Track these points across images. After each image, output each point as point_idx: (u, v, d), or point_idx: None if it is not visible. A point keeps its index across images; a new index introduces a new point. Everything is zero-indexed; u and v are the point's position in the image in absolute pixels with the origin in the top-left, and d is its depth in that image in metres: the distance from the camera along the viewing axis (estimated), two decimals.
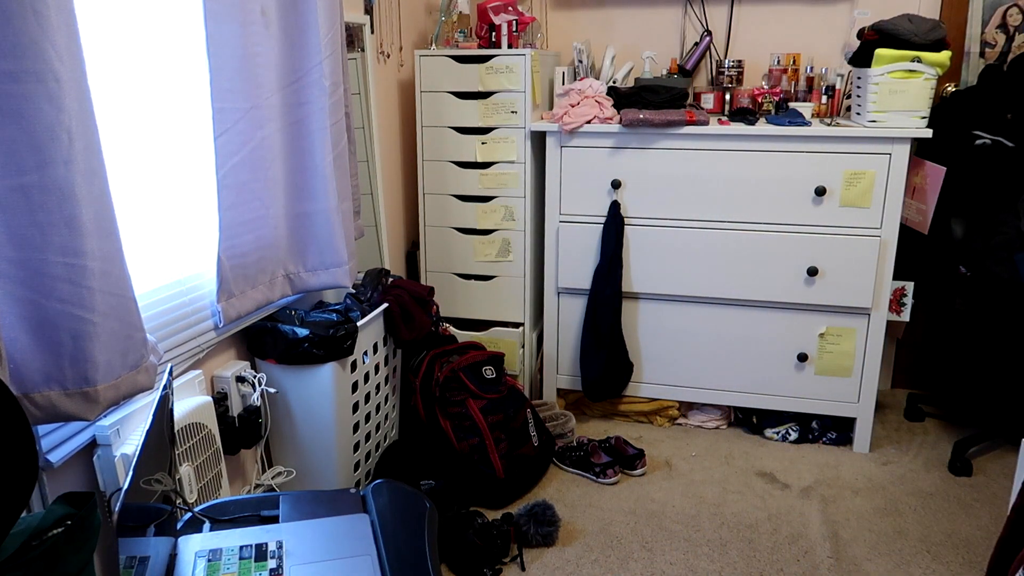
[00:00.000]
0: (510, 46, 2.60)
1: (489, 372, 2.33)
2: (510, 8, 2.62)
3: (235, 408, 1.82)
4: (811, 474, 2.43)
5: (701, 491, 2.33)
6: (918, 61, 2.25)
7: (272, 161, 1.80)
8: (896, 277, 2.48)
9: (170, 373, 1.29)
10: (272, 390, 1.92)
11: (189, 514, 1.35)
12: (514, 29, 2.61)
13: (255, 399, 1.84)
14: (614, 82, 2.75)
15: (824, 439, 2.63)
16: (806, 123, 2.39)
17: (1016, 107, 2.39)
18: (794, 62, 2.74)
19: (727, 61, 2.76)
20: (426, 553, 1.25)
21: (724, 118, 2.59)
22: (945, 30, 2.28)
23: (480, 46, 2.65)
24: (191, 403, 1.60)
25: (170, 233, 1.66)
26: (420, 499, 1.39)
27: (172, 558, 1.21)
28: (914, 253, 2.61)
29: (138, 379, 1.34)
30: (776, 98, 2.65)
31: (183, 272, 1.70)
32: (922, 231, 2.49)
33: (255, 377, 1.86)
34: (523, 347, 2.76)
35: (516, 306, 2.75)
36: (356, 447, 2.10)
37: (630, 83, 2.77)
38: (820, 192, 2.36)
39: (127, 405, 1.40)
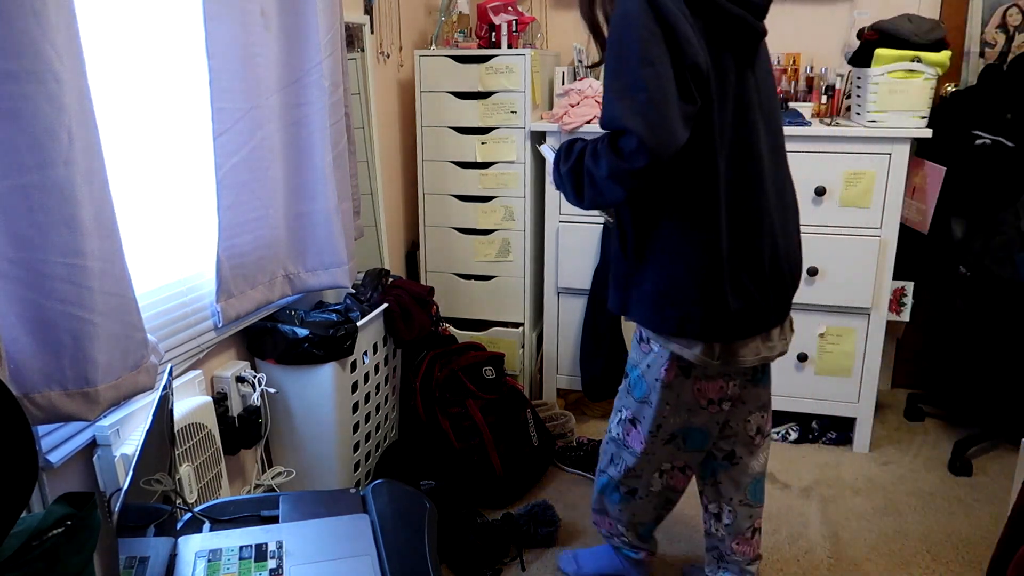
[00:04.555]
0: (510, 46, 2.60)
1: (489, 372, 2.33)
2: (510, 8, 2.62)
3: (235, 408, 1.82)
4: (811, 474, 2.43)
5: None
6: (918, 61, 2.25)
7: (272, 161, 1.80)
8: (896, 277, 2.48)
9: (170, 373, 1.29)
10: (272, 390, 1.92)
11: (189, 514, 1.35)
12: (514, 29, 2.61)
13: (255, 399, 1.84)
14: None
15: (824, 439, 2.63)
16: (806, 123, 2.39)
17: (1016, 107, 2.39)
18: (794, 62, 2.74)
19: None
20: (426, 553, 1.25)
21: None
22: (945, 30, 2.28)
23: (480, 46, 2.65)
24: (191, 403, 1.60)
25: (170, 233, 1.66)
26: (420, 499, 1.39)
27: (172, 558, 1.21)
28: (914, 253, 2.61)
29: (138, 379, 1.34)
30: None
31: (183, 272, 1.70)
32: (922, 231, 2.49)
33: (255, 377, 1.86)
34: (523, 347, 2.76)
35: (516, 306, 2.75)
36: (356, 447, 2.10)
37: None
38: (820, 192, 2.36)
39: (127, 405, 1.40)
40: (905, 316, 2.64)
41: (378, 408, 2.23)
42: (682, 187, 1.39)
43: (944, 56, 2.25)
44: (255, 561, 1.20)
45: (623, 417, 1.67)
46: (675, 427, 1.61)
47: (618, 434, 1.69)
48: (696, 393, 1.56)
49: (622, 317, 2.03)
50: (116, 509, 0.97)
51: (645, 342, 1.57)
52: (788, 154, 2.45)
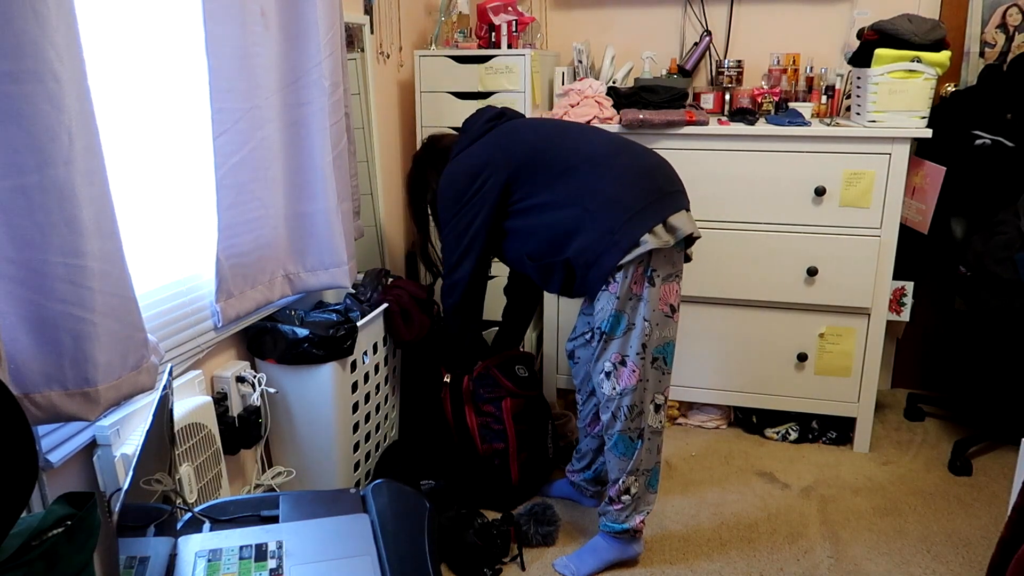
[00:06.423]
0: (510, 46, 2.60)
1: (522, 371, 2.29)
2: (510, 8, 2.62)
3: (235, 408, 1.82)
4: (811, 474, 2.43)
5: (701, 491, 2.33)
6: (918, 61, 2.25)
7: (272, 161, 1.80)
8: (896, 277, 2.48)
9: (170, 373, 1.29)
10: (272, 390, 1.92)
11: (189, 514, 1.35)
12: (514, 29, 2.61)
13: (255, 399, 1.84)
14: (614, 82, 2.75)
15: (824, 439, 2.63)
16: (806, 123, 2.39)
17: (1016, 107, 2.39)
18: (794, 62, 2.74)
19: (727, 61, 2.76)
20: (426, 553, 1.25)
21: (724, 118, 2.59)
22: (945, 30, 2.28)
23: (480, 46, 2.65)
24: (191, 403, 1.60)
25: (170, 233, 1.66)
26: (420, 499, 1.39)
27: (172, 558, 1.21)
28: (914, 253, 2.61)
29: (139, 379, 1.34)
30: (776, 98, 2.65)
31: (183, 272, 1.70)
32: (922, 231, 2.49)
33: (255, 377, 1.86)
34: (523, 347, 2.75)
35: None
36: (356, 447, 2.10)
37: (630, 83, 2.77)
38: (820, 192, 2.36)
39: (127, 405, 1.40)
40: (905, 316, 2.64)
41: (378, 408, 2.23)
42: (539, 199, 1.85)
43: (944, 56, 2.25)
44: (255, 561, 1.20)
45: (608, 370, 1.83)
46: (656, 344, 1.83)
47: (612, 389, 1.83)
48: (661, 301, 1.81)
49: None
50: (116, 509, 0.97)
51: (608, 284, 1.77)
52: (787, 155, 2.41)
